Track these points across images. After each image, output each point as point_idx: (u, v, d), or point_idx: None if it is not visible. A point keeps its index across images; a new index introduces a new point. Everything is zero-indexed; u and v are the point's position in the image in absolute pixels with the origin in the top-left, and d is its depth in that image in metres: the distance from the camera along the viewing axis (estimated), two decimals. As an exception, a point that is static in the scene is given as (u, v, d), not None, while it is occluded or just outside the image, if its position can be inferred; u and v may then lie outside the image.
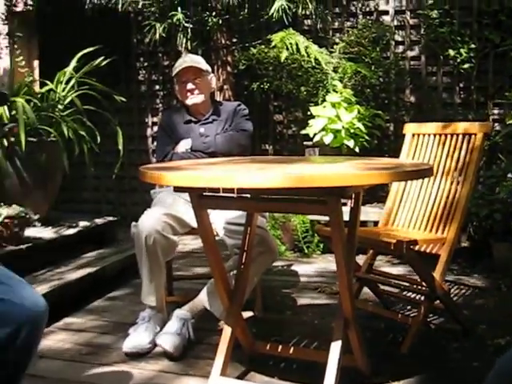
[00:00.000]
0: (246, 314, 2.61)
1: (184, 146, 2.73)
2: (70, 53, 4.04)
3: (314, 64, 4.20)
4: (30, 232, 3.19)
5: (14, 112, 3.22)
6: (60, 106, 3.61)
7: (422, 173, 1.85)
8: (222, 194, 1.75)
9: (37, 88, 4.15)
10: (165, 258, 2.42)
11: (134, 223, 2.41)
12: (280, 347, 2.19)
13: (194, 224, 2.47)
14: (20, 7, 5.51)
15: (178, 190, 1.79)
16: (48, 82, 3.68)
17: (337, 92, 4.09)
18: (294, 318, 2.83)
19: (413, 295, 2.81)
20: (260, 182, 1.48)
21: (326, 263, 3.88)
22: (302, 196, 1.73)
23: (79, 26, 5.07)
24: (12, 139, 2.92)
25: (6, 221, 2.90)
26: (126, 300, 3.11)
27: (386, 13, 4.66)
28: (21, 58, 4.05)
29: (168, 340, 2.31)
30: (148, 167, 1.86)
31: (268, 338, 2.42)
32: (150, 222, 2.36)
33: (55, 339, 2.55)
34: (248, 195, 1.87)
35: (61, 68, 3.86)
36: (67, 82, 3.76)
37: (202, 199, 1.84)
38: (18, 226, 2.97)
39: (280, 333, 2.57)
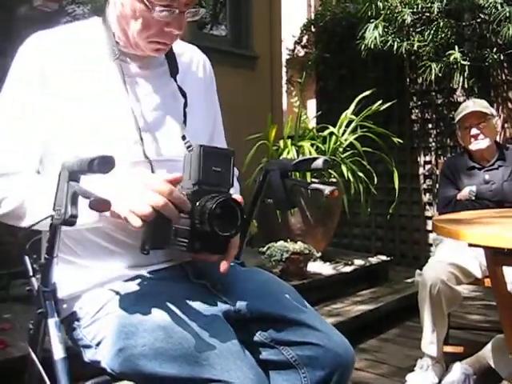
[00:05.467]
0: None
1: (468, 193, 2.67)
2: (343, 93, 4.24)
3: None
4: (310, 267, 3.42)
5: (300, 156, 3.53)
6: (340, 149, 3.82)
7: None
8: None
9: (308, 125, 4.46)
10: (448, 308, 2.38)
11: (418, 271, 2.43)
12: None
13: (479, 274, 2.42)
14: (301, 53, 6.02)
15: (472, 245, 1.77)
16: (330, 127, 3.92)
17: None
18: None
19: None
20: None
21: None
22: None
23: (353, 68, 5.32)
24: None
25: (293, 256, 3.16)
26: (400, 343, 3.13)
27: None
28: (296, 98, 4.38)
29: (449, 393, 2.27)
30: (440, 220, 1.88)
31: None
32: (434, 271, 2.35)
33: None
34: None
35: (335, 108, 4.08)
36: (347, 125, 3.96)
37: (498, 256, 1.79)
38: (302, 262, 3.22)
39: None
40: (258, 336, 1.24)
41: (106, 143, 1.20)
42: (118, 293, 1.20)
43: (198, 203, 1.09)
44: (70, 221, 0.99)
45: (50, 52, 1.23)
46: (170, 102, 1.33)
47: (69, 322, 1.25)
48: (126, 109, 1.25)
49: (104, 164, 0.97)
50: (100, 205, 0.95)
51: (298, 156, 3.48)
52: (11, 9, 3.22)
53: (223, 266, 1.18)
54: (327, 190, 1.27)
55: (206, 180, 1.12)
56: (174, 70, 1.34)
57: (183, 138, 1.30)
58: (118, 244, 1.23)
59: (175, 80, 1.34)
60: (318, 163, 1.26)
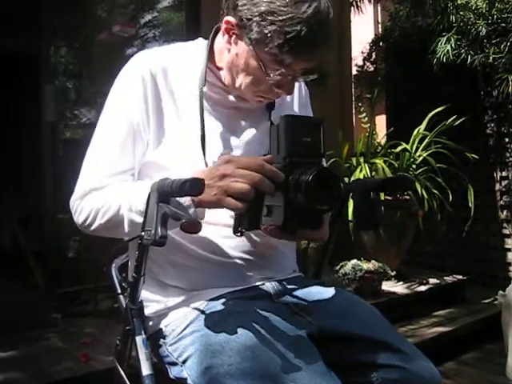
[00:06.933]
0: None
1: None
2: (414, 109, 4.14)
3: None
4: (384, 286, 3.35)
5: (373, 173, 3.48)
6: (413, 166, 3.75)
7: None
8: None
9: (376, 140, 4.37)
10: (535, 331, 2.28)
11: (501, 292, 2.34)
12: None
13: None
14: (370, 69, 5.95)
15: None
16: (402, 143, 3.86)
17: None
18: None
19: None
20: None
21: None
22: None
23: (424, 83, 5.20)
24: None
25: (367, 275, 3.11)
26: (480, 367, 3.00)
27: None
28: (364, 114, 4.32)
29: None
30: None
31: None
32: (519, 292, 2.27)
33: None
34: None
35: (405, 124, 3.99)
36: (420, 142, 3.88)
37: None
38: (376, 281, 3.16)
39: None
40: (342, 357, 1.22)
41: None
42: (203, 311, 1.22)
43: (291, 177, 1.03)
44: (160, 241, 1.00)
45: (151, 77, 1.24)
46: (258, 142, 1.29)
47: (155, 339, 1.28)
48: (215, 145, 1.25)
49: (196, 186, 0.98)
50: (192, 226, 0.97)
51: (371, 173, 3.43)
52: (93, 36, 3.37)
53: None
54: (413, 209, 1.26)
55: (297, 152, 1.06)
56: (270, 105, 1.32)
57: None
58: (203, 263, 1.25)
59: (269, 115, 1.31)
60: (405, 184, 1.24)
